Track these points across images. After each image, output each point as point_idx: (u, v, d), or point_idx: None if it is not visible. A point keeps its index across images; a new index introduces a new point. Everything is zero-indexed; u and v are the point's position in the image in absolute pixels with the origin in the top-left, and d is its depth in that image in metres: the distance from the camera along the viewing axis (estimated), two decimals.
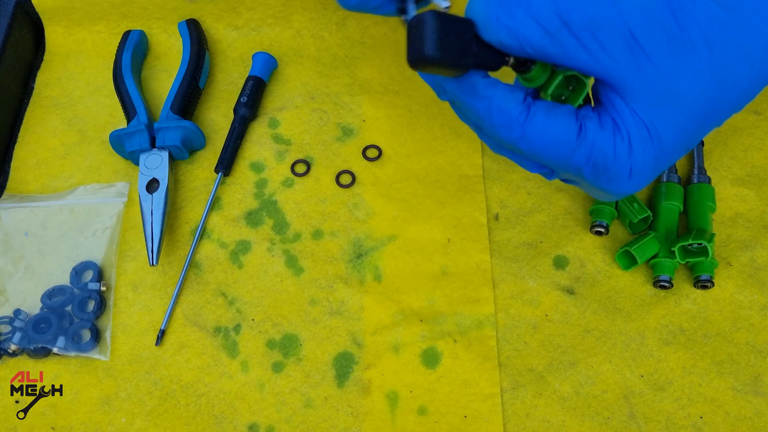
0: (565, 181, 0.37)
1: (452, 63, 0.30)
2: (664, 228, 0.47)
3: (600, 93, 0.33)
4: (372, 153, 0.53)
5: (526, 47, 0.30)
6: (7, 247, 0.51)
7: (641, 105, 0.31)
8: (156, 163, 0.51)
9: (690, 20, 0.30)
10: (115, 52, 0.56)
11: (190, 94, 0.54)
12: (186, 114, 0.54)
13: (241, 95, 0.54)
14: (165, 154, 0.52)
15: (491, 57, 0.32)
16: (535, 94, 0.34)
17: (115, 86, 0.55)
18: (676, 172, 0.49)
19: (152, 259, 0.48)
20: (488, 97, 0.33)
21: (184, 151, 0.53)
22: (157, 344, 0.47)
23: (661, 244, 0.46)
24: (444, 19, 0.30)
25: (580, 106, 0.34)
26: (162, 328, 0.47)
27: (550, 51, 0.30)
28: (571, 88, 0.34)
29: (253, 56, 0.56)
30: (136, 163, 0.52)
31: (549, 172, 0.37)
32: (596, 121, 0.32)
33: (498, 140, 0.35)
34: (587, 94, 0.34)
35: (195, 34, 0.56)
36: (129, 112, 0.53)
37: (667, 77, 0.31)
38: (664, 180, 0.49)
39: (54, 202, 0.52)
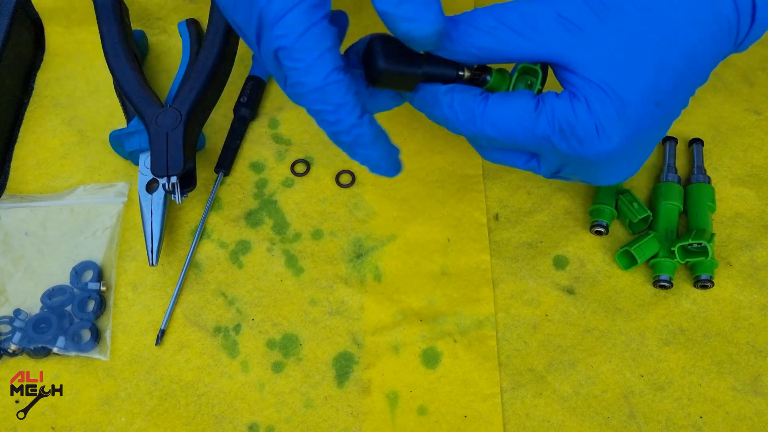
0: (560, 177, 0.40)
1: (402, 74, 0.35)
2: (664, 228, 0.47)
3: (556, 75, 0.36)
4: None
5: (471, 49, 0.35)
6: (7, 247, 0.51)
7: (589, 70, 0.34)
8: None
9: None
10: None
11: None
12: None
13: (240, 95, 0.54)
14: None
15: (443, 68, 0.36)
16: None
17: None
18: (676, 172, 0.49)
19: (152, 259, 0.48)
20: (448, 101, 0.37)
21: None
22: (157, 344, 0.47)
23: (660, 244, 0.46)
24: (391, 39, 0.34)
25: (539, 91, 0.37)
26: (162, 327, 0.47)
27: (494, 47, 0.34)
28: (529, 83, 0.37)
29: (254, 56, 0.56)
30: (136, 163, 0.52)
31: (536, 162, 0.39)
32: (552, 94, 0.35)
33: (470, 135, 0.38)
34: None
35: (195, 33, 0.56)
36: (129, 112, 0.53)
37: (603, 41, 0.34)
38: (664, 180, 0.49)
39: (54, 202, 0.52)
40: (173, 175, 0.47)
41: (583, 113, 0.34)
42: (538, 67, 0.37)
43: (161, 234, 0.49)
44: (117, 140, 0.52)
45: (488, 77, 0.37)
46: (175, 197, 0.48)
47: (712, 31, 0.34)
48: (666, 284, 0.46)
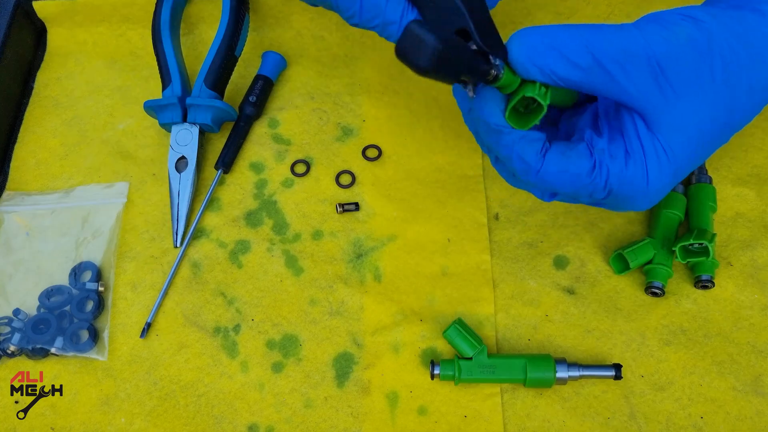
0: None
1: (442, 77, 0.31)
2: (662, 235, 0.47)
3: (624, 116, 0.35)
4: (372, 153, 0.53)
5: (558, 81, 0.33)
6: (7, 248, 0.51)
7: (662, 130, 0.34)
8: (186, 140, 0.52)
9: (715, 55, 0.33)
10: (152, 20, 0.56)
11: (225, 63, 0.54)
12: (219, 86, 0.53)
13: (249, 94, 0.54)
14: (196, 130, 0.52)
15: (482, 63, 0.33)
16: (552, 135, 0.39)
17: (153, 46, 0.54)
18: (680, 182, 0.49)
19: (176, 240, 0.49)
20: (509, 145, 0.36)
21: (214, 128, 0.53)
22: (142, 336, 0.47)
23: (656, 250, 0.46)
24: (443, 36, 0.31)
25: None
26: (148, 321, 0.47)
27: (581, 84, 0.33)
28: (535, 105, 0.36)
29: (263, 55, 0.56)
30: (169, 131, 0.53)
31: (560, 199, 0.40)
32: (607, 153, 0.35)
33: (520, 179, 0.38)
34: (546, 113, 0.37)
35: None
36: (164, 78, 0.53)
37: (687, 106, 0.34)
38: (695, 182, 0.48)
39: (54, 203, 0.52)
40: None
41: (639, 178, 0.35)
42: (545, 105, 0.35)
43: (187, 215, 0.50)
44: (151, 111, 0.53)
45: (500, 75, 0.34)
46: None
47: None
48: (658, 291, 0.45)
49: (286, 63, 0.57)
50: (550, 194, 0.40)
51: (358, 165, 0.53)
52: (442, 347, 0.46)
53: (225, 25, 0.54)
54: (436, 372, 0.43)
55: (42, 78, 0.58)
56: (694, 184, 0.49)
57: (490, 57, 0.33)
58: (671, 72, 0.33)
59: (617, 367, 0.43)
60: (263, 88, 0.55)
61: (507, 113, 0.36)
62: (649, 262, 0.46)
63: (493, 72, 0.33)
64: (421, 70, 0.30)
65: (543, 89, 0.35)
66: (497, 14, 0.57)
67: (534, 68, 0.33)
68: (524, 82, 0.35)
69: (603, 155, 0.36)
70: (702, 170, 0.49)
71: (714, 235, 0.45)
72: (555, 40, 0.33)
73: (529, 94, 0.35)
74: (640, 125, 0.35)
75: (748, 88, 0.35)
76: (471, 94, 0.35)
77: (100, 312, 0.48)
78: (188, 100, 0.52)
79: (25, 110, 0.57)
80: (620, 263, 0.47)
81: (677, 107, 0.34)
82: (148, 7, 0.58)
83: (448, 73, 0.31)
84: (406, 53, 0.29)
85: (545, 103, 0.35)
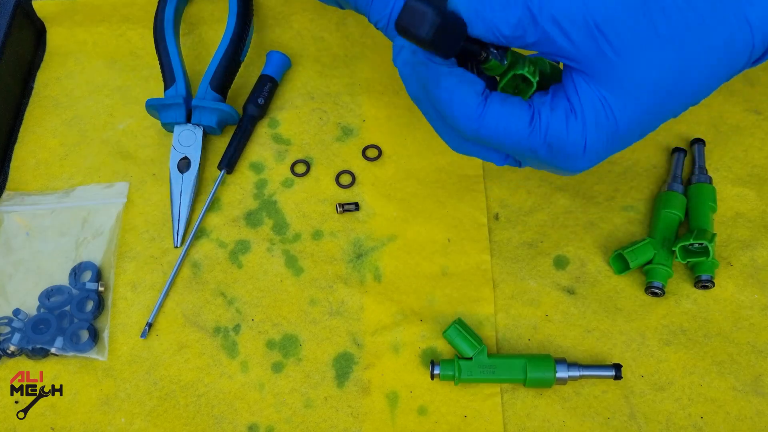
0: (523, 164, 0.40)
1: (441, 50, 0.33)
2: (662, 236, 0.47)
3: (565, 72, 0.35)
4: (372, 153, 0.53)
5: (500, 39, 0.34)
6: (8, 249, 0.51)
7: (601, 87, 0.34)
8: (190, 141, 0.52)
9: (654, 10, 0.32)
10: (153, 16, 0.56)
11: (230, 67, 0.54)
12: (224, 88, 0.54)
13: (257, 96, 0.54)
14: (199, 132, 0.52)
15: (471, 49, 0.35)
16: (491, 86, 0.38)
17: (155, 45, 0.54)
18: (681, 182, 0.49)
19: (177, 240, 0.49)
20: (449, 88, 0.36)
21: (217, 130, 0.53)
22: (142, 336, 0.47)
23: (656, 250, 0.46)
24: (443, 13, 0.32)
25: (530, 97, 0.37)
26: (149, 321, 0.47)
27: (520, 42, 0.34)
28: (516, 88, 0.37)
29: (268, 55, 0.56)
30: (170, 131, 0.53)
31: (513, 161, 0.40)
32: (548, 105, 0.35)
33: (460, 130, 0.37)
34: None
35: (243, 2, 0.56)
36: (167, 78, 0.53)
37: (628, 65, 0.33)
38: (667, 189, 0.48)
39: (54, 203, 0.52)
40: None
41: (577, 133, 0.34)
42: (534, 81, 0.36)
43: (188, 216, 0.50)
44: (153, 110, 0.53)
45: (489, 57, 0.35)
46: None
47: (727, 57, 0.33)
48: (658, 291, 0.45)
49: (290, 63, 0.57)
50: (498, 155, 0.39)
51: (358, 165, 0.53)
52: (442, 347, 0.46)
53: (232, 30, 0.54)
54: (436, 372, 0.43)
55: (42, 78, 0.58)
56: (694, 184, 0.49)
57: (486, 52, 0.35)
58: (609, 30, 0.32)
59: (617, 367, 0.43)
60: (270, 90, 0.55)
61: (500, 88, 0.37)
62: (649, 262, 0.46)
63: (484, 54, 0.35)
64: (421, 41, 0.31)
65: (531, 67, 0.36)
66: None
67: (481, 23, 0.33)
68: (513, 63, 0.36)
69: (543, 106, 0.35)
70: (702, 170, 0.49)
71: (714, 235, 0.45)
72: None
73: (519, 71, 0.36)
74: (580, 81, 0.34)
75: (704, 48, 0.33)
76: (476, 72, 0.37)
77: (100, 312, 0.48)
78: (194, 102, 0.52)
79: (25, 110, 0.57)
80: (620, 263, 0.47)
81: (619, 66, 0.33)
82: (149, 7, 0.58)
83: (445, 45, 0.32)
84: (406, 26, 0.31)
85: (535, 80, 0.36)
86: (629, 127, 0.35)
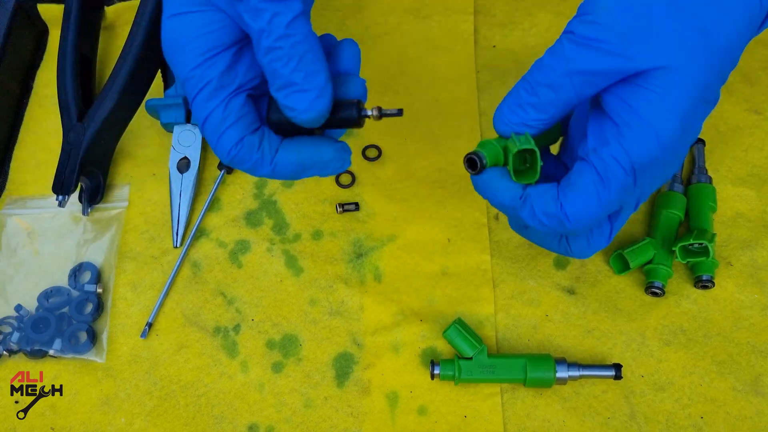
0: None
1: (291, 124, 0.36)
2: (662, 236, 0.46)
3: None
4: (372, 153, 0.53)
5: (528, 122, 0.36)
6: (9, 251, 0.51)
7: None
8: (189, 141, 0.52)
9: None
10: None
11: None
12: None
13: None
14: (199, 132, 0.52)
15: (345, 111, 0.37)
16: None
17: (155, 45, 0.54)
18: (681, 182, 0.49)
19: (176, 241, 0.49)
20: (531, 213, 0.37)
21: None
22: (142, 336, 0.47)
23: (656, 250, 0.46)
24: None
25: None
26: (149, 321, 0.47)
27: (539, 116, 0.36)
28: (530, 155, 0.37)
29: None
30: (170, 131, 0.53)
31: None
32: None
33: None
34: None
35: None
36: (167, 78, 0.53)
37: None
38: (668, 189, 0.48)
39: (56, 207, 0.52)
40: (65, 194, 0.48)
41: (648, 137, 0.34)
42: (536, 148, 0.36)
43: (188, 216, 0.50)
44: (153, 110, 0.53)
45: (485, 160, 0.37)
46: (82, 208, 0.51)
47: (744, 20, 0.33)
48: (658, 291, 0.45)
49: None
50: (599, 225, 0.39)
51: (358, 165, 0.53)
52: (442, 347, 0.46)
53: None
54: (436, 372, 0.43)
55: (42, 78, 0.58)
56: (694, 184, 0.49)
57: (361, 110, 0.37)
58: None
59: (617, 367, 0.43)
60: None
61: (512, 176, 0.37)
62: (649, 262, 0.46)
63: (369, 114, 0.37)
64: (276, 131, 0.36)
65: (522, 138, 0.36)
66: (497, 14, 0.58)
67: (509, 127, 0.36)
68: (506, 147, 0.37)
69: (597, 153, 0.35)
70: (702, 170, 0.49)
71: (714, 234, 0.45)
72: (516, 101, 0.36)
73: (515, 149, 0.36)
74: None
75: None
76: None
77: (99, 314, 0.48)
78: None
79: (25, 110, 0.57)
80: (620, 263, 0.47)
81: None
82: None
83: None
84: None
85: (533, 146, 0.36)
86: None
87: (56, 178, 0.49)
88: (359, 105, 0.37)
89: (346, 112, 0.36)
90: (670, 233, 0.47)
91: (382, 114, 0.37)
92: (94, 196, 0.51)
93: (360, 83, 0.38)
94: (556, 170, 0.41)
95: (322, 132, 0.39)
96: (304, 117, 0.35)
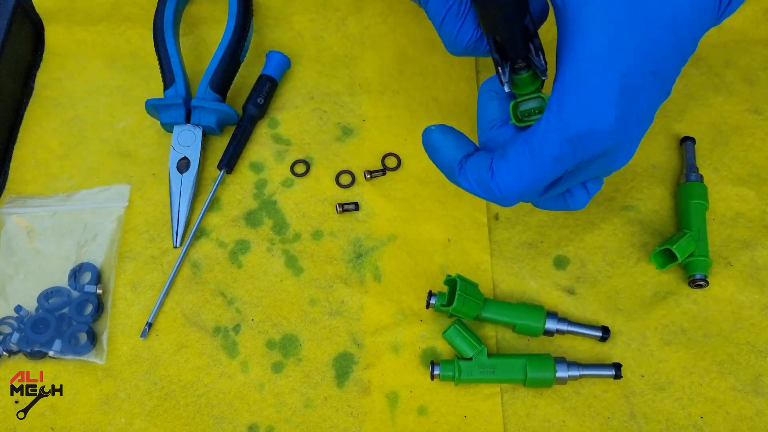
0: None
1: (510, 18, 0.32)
2: (696, 227, 0.46)
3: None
4: (391, 162, 0.53)
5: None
6: (9, 251, 0.51)
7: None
8: (189, 141, 0.52)
9: None
10: (153, 17, 0.56)
11: (230, 68, 0.54)
12: (223, 89, 0.53)
13: (257, 96, 0.54)
14: (199, 132, 0.52)
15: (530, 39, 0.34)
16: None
17: (155, 45, 0.54)
18: (698, 171, 0.49)
19: (176, 241, 0.49)
20: (464, 174, 0.37)
21: (216, 130, 0.53)
22: (142, 336, 0.47)
23: (695, 243, 0.45)
24: None
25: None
26: (149, 321, 0.47)
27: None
28: (540, 113, 0.36)
29: (268, 55, 0.56)
30: (169, 131, 0.53)
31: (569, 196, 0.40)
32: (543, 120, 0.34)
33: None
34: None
35: (243, 2, 0.55)
36: (167, 78, 0.53)
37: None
38: (688, 180, 0.48)
39: (56, 206, 0.52)
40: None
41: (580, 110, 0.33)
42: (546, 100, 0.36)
43: (187, 216, 0.50)
44: (153, 110, 0.53)
45: (523, 71, 0.35)
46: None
47: (700, 6, 0.32)
48: (702, 283, 0.45)
49: (290, 63, 0.57)
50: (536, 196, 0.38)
51: (358, 165, 0.53)
52: (442, 347, 0.46)
53: (232, 30, 0.54)
54: (436, 372, 0.43)
55: (42, 78, 0.58)
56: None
57: (533, 48, 0.34)
58: None
59: (617, 367, 0.43)
60: (270, 90, 0.55)
61: (511, 107, 0.37)
62: (690, 255, 0.45)
63: (530, 57, 0.34)
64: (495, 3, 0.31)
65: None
66: None
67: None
68: (537, 91, 0.36)
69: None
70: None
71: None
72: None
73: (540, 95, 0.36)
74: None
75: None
76: (504, 81, 0.35)
77: (99, 315, 0.48)
78: (193, 102, 0.52)
79: (24, 110, 0.57)
80: (662, 258, 0.46)
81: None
82: (149, 6, 0.57)
83: (513, 17, 0.32)
84: None
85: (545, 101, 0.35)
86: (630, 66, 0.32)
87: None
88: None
89: None
90: (702, 224, 0.47)
91: None
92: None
93: None
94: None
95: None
96: None
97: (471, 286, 0.44)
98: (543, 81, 0.36)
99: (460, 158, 0.38)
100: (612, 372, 0.43)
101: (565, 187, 0.37)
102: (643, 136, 0.35)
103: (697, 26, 0.33)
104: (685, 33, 0.32)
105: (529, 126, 0.36)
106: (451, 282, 0.44)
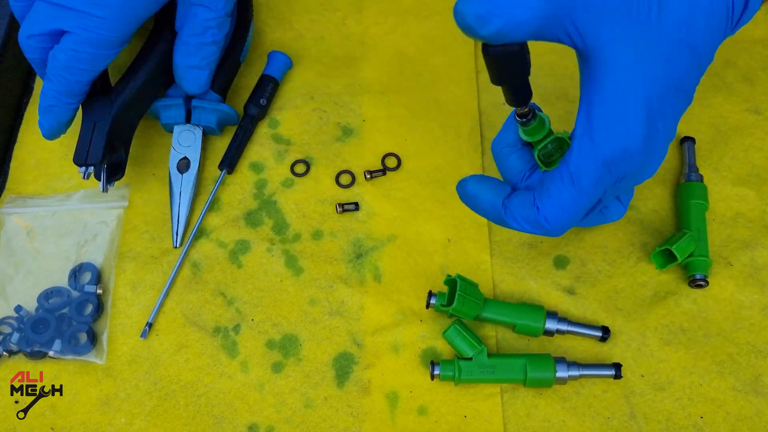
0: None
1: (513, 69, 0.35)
2: (696, 227, 0.46)
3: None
4: (391, 162, 0.53)
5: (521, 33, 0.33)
6: (9, 251, 0.51)
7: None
8: (189, 141, 0.52)
9: None
10: None
11: (229, 68, 0.54)
12: (223, 89, 0.53)
13: (259, 97, 0.54)
14: (199, 132, 0.52)
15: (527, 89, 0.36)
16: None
17: None
18: (698, 171, 0.49)
19: (176, 241, 0.49)
20: (510, 214, 0.39)
21: (216, 130, 0.53)
22: (142, 337, 0.47)
23: (695, 243, 0.45)
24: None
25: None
26: (149, 321, 0.47)
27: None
28: (560, 150, 0.39)
29: (269, 55, 0.56)
30: (170, 131, 0.53)
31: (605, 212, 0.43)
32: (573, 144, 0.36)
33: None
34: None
35: (242, 3, 0.55)
36: (167, 81, 0.53)
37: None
38: (687, 180, 0.48)
39: (56, 206, 0.52)
40: (90, 165, 0.47)
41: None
42: (568, 140, 0.38)
43: (187, 216, 0.50)
44: (153, 110, 0.53)
45: (532, 121, 0.38)
46: (101, 184, 0.49)
47: (714, 20, 0.34)
48: (702, 283, 0.45)
49: (292, 64, 0.56)
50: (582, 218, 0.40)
51: (358, 165, 0.53)
52: (442, 347, 0.46)
53: (232, 31, 0.54)
54: (436, 372, 0.43)
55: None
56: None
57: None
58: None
59: (617, 367, 0.43)
60: (272, 91, 0.55)
61: (536, 156, 0.40)
62: (690, 255, 0.45)
63: (527, 109, 0.37)
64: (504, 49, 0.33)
65: (564, 133, 0.39)
66: None
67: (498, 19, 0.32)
68: (550, 133, 0.39)
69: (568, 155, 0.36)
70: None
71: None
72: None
73: (558, 135, 0.39)
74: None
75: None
76: (520, 121, 0.38)
77: (99, 315, 0.48)
78: (194, 102, 0.52)
79: (25, 110, 0.57)
80: (662, 258, 0.46)
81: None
82: None
83: (515, 68, 0.34)
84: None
85: (568, 140, 0.38)
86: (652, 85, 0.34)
87: (78, 149, 0.47)
88: None
89: None
90: (701, 224, 0.47)
91: None
92: (115, 173, 0.50)
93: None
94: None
95: None
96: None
97: (471, 286, 0.44)
98: (549, 124, 0.39)
99: (501, 201, 0.39)
100: (612, 372, 0.43)
101: (602, 205, 0.41)
102: (668, 145, 0.37)
103: (713, 39, 0.34)
104: (702, 48, 0.34)
105: (555, 167, 0.38)
106: (451, 282, 0.44)
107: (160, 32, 0.51)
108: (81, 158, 0.47)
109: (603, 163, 0.35)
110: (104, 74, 0.52)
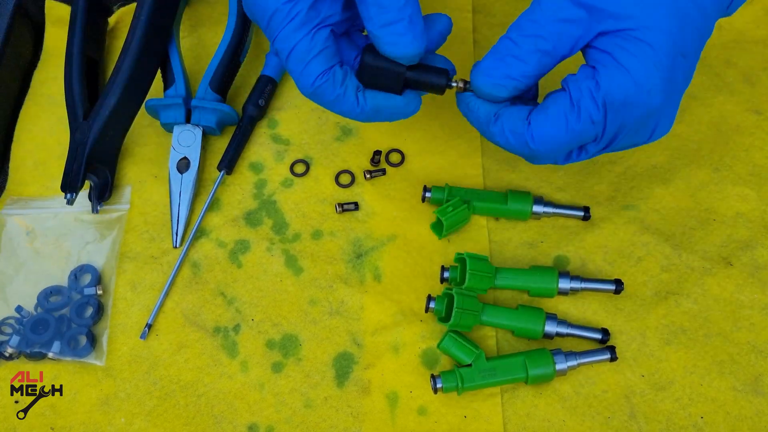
0: (606, 152, 0.40)
1: (384, 70, 0.39)
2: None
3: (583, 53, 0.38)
4: (395, 158, 0.53)
5: (510, 81, 0.37)
6: (10, 252, 0.51)
7: (619, 22, 0.36)
8: (189, 141, 0.52)
9: None
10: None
11: (230, 69, 0.54)
12: (223, 89, 0.53)
13: (258, 97, 0.54)
14: (199, 132, 0.52)
15: (433, 76, 0.39)
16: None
17: None
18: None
19: (176, 241, 0.49)
20: (499, 130, 0.39)
21: (216, 130, 0.53)
22: (142, 338, 0.47)
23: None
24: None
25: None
26: (149, 322, 0.47)
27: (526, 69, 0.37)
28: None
29: (268, 56, 0.56)
30: (170, 131, 0.53)
31: (584, 153, 0.41)
32: (581, 76, 0.37)
33: (527, 155, 0.40)
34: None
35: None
36: (167, 78, 0.53)
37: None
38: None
39: (57, 208, 0.52)
40: (73, 192, 0.48)
41: (622, 77, 0.34)
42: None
43: (187, 216, 0.50)
44: (153, 110, 0.52)
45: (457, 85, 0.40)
46: (91, 207, 0.50)
47: None
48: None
49: None
50: (564, 155, 0.40)
51: (358, 165, 0.53)
52: None
53: (232, 31, 0.54)
54: (439, 386, 0.43)
55: (39, 76, 0.58)
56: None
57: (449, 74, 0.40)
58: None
59: (611, 350, 0.44)
60: (271, 92, 0.55)
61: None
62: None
63: (453, 84, 0.39)
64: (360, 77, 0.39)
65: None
66: (496, 14, 0.58)
67: (492, 79, 0.37)
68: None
69: (576, 82, 0.36)
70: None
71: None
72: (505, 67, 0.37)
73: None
74: (602, 36, 0.35)
75: None
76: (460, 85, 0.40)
77: (99, 317, 0.48)
78: (193, 102, 0.52)
79: (24, 110, 0.57)
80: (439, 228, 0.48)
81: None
82: None
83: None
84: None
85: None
86: (665, 51, 0.34)
87: (64, 176, 0.49)
88: (448, 74, 0.39)
89: (434, 78, 0.39)
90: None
91: (465, 87, 0.39)
92: (102, 194, 0.51)
93: (442, 59, 0.41)
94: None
95: (401, 93, 0.40)
96: (407, 50, 0.36)
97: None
98: None
99: (496, 109, 0.39)
100: (608, 356, 0.43)
101: (601, 152, 0.40)
102: (675, 113, 0.38)
103: (716, 8, 0.36)
104: (708, 14, 0.35)
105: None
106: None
107: (125, 50, 0.50)
108: (65, 185, 0.49)
109: (603, 104, 0.35)
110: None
